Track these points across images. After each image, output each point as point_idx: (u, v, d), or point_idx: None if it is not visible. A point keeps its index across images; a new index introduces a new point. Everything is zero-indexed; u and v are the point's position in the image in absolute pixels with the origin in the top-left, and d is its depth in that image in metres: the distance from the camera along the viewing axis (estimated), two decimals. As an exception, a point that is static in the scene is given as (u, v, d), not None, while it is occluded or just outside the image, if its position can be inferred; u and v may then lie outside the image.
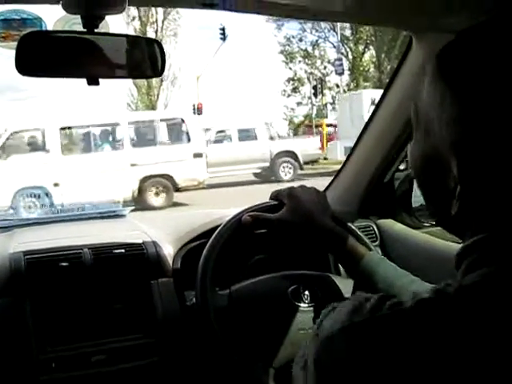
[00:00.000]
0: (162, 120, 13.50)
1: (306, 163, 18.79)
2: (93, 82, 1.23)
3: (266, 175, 17.49)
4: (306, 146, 18.96)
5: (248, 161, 17.04)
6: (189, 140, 12.99)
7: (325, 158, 21.51)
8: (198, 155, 12.92)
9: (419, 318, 0.61)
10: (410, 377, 0.59)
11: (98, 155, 12.47)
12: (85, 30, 1.20)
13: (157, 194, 12.53)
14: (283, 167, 17.87)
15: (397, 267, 1.26)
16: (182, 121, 13.16)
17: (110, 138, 13.28)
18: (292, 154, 17.94)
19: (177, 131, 13.46)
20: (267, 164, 17.68)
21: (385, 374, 0.60)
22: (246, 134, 18.04)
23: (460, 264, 0.70)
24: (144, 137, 13.38)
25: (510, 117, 0.61)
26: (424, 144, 0.72)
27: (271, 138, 18.59)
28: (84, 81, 1.24)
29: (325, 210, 1.34)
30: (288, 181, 16.67)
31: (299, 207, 1.31)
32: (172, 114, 13.69)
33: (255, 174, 17.78)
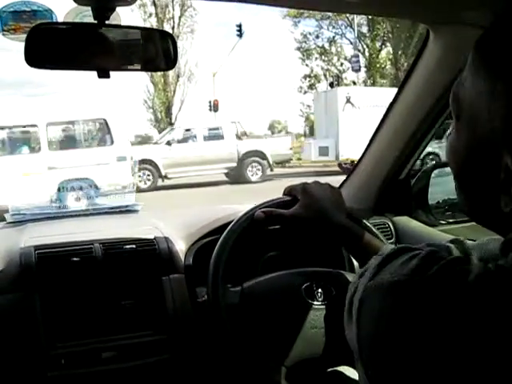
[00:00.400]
0: (83, 121, 12.66)
1: (277, 163, 18.44)
2: (103, 74, 1.22)
3: (235, 175, 17.19)
4: (277, 145, 18.47)
5: (215, 161, 16.74)
6: (112, 142, 12.16)
7: (299, 159, 21.24)
8: (121, 158, 12.02)
9: (481, 294, 0.59)
10: (452, 346, 0.59)
11: (15, 158, 11.71)
12: (95, 21, 1.19)
13: (78, 198, 11.07)
14: (251, 167, 17.54)
15: None
16: (105, 122, 12.26)
17: (29, 140, 12.43)
18: (260, 154, 17.54)
19: (99, 133, 12.60)
20: (235, 164, 17.34)
21: (428, 341, 0.60)
22: (213, 133, 17.66)
23: (508, 251, 0.66)
24: (64, 139, 12.67)
25: None
26: (469, 135, 0.70)
27: (239, 138, 18.18)
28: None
29: (339, 206, 1.32)
30: (256, 181, 16.64)
31: (313, 203, 1.30)
32: (94, 115, 12.51)
33: (226, 174, 17.50)
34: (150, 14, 31.88)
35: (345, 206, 1.36)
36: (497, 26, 0.68)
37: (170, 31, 32.31)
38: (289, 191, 1.37)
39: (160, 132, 34.36)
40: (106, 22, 1.20)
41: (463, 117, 0.71)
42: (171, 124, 33.69)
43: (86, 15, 1.28)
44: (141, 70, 1.30)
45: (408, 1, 1.26)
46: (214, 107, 30.90)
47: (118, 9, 1.22)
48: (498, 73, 0.65)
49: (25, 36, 1.19)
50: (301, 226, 1.32)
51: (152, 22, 32.00)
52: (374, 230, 1.47)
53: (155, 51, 1.29)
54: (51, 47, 1.19)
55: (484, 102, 0.66)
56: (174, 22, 32.96)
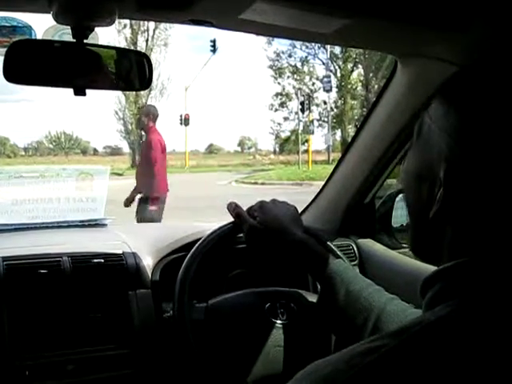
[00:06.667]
0: None
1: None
2: (79, 92, 1.24)
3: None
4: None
5: None
6: None
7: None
8: None
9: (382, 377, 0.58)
10: None
11: None
12: (74, 40, 1.21)
13: None
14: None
15: (359, 275, 1.31)
16: None
17: None
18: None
19: None
20: None
21: None
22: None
23: (426, 291, 0.69)
24: None
25: (505, 138, 0.64)
26: (419, 154, 0.75)
27: None
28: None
29: (296, 223, 1.38)
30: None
31: (270, 219, 1.36)
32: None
33: None
34: (125, 25, 31.88)
35: (301, 222, 1.41)
36: (470, 66, 0.74)
37: (144, 43, 32.35)
38: (248, 211, 1.42)
39: (130, 144, 34.18)
40: (85, 40, 1.22)
41: (419, 140, 0.75)
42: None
43: (65, 33, 1.30)
44: (117, 89, 1.33)
45: (377, 34, 1.31)
46: (185, 121, 30.94)
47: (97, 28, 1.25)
48: (453, 98, 0.71)
49: (3, 50, 1.21)
50: (259, 240, 1.37)
51: (126, 34, 32.00)
52: (337, 251, 1.51)
53: (131, 71, 1.31)
54: (29, 63, 1.21)
55: (438, 124, 0.71)
56: (148, 34, 33.00)
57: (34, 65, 1.22)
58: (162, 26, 32.21)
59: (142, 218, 6.33)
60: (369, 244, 1.98)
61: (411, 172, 0.77)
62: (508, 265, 0.64)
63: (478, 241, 0.67)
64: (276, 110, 36.29)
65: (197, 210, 11.99)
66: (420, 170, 0.74)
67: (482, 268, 0.65)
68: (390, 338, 0.61)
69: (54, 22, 1.21)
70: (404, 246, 1.97)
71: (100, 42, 1.35)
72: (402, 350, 0.59)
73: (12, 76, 1.21)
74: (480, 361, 0.58)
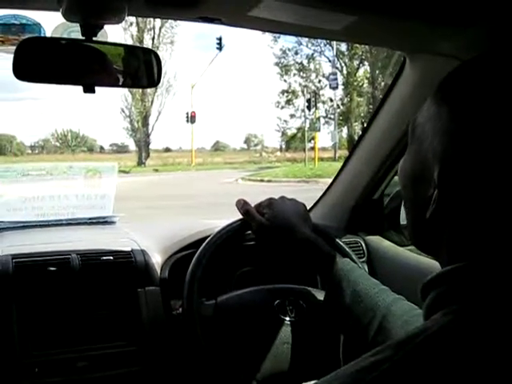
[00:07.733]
0: None
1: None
2: (89, 89, 1.24)
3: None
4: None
5: None
6: None
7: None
8: None
9: None
10: None
11: None
12: (83, 37, 1.22)
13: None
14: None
15: (366, 274, 1.30)
16: None
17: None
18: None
19: None
20: None
21: None
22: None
23: (426, 294, 0.70)
24: None
25: (499, 137, 0.63)
26: (414, 155, 0.75)
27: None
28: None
29: (304, 220, 1.38)
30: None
31: (278, 216, 1.35)
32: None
33: None
34: (131, 23, 31.95)
35: (310, 220, 1.42)
36: (461, 65, 0.73)
37: (150, 41, 32.41)
38: (257, 207, 1.42)
39: (136, 142, 34.26)
40: (94, 38, 1.23)
41: (414, 140, 0.76)
42: (148, 134, 33.67)
43: (74, 31, 1.30)
44: (126, 86, 1.33)
45: (385, 30, 1.31)
46: (191, 119, 30.99)
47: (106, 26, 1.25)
48: (444, 98, 0.71)
49: (13, 48, 1.22)
50: (267, 237, 1.37)
51: (132, 32, 32.06)
52: (345, 248, 1.51)
53: (141, 69, 1.32)
54: (39, 61, 1.21)
55: (431, 124, 0.71)
56: (154, 32, 33.06)
57: (44, 62, 1.22)
58: (168, 24, 32.31)
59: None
60: (377, 241, 1.98)
61: (407, 172, 0.77)
62: (507, 269, 0.64)
63: (477, 242, 0.67)
64: (282, 107, 36.27)
65: (200, 208, 12.04)
66: (415, 170, 0.75)
67: (480, 272, 0.65)
68: (393, 350, 0.61)
69: (63, 20, 1.21)
70: (412, 242, 1.97)
71: (108, 40, 1.34)
72: (405, 364, 0.59)
73: (22, 74, 1.21)
74: (481, 372, 0.57)
